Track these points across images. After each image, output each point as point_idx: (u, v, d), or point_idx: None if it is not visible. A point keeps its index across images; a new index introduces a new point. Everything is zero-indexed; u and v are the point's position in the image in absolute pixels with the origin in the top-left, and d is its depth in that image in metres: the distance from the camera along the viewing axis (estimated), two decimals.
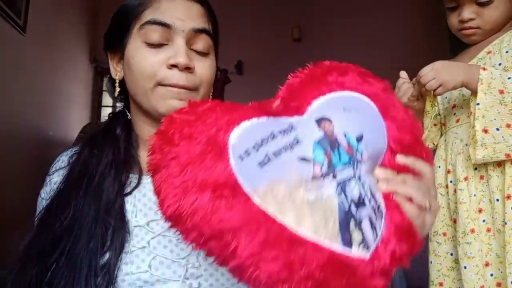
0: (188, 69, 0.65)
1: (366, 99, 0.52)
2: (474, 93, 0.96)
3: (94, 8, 3.24)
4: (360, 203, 0.45)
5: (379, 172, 0.50)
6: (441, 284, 1.08)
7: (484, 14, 1.05)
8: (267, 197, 0.42)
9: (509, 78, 0.94)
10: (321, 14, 3.52)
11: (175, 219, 0.42)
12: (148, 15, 0.66)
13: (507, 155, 0.93)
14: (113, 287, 0.59)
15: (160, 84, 0.65)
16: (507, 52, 1.01)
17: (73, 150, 0.72)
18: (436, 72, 0.97)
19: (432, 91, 1.00)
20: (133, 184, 0.67)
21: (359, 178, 0.47)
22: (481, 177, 1.01)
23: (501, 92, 0.93)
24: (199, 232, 0.40)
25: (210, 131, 0.45)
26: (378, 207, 0.47)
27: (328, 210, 0.44)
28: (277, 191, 0.43)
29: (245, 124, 0.47)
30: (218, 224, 0.40)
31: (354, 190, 0.46)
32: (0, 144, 1.87)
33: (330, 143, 0.47)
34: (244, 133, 0.46)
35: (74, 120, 2.83)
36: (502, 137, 0.93)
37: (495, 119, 0.93)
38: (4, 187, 1.87)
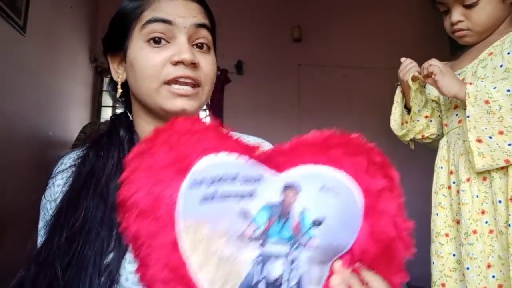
0: (193, 64, 0.66)
1: (357, 192, 0.46)
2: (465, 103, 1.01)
3: (94, 8, 3.23)
4: (274, 284, 0.42)
5: (339, 270, 0.45)
6: (443, 285, 1.07)
7: (471, 15, 1.07)
8: (188, 232, 0.42)
9: (494, 88, 0.97)
10: (321, 14, 3.52)
11: (121, 209, 0.45)
12: (148, 15, 0.67)
13: (506, 161, 0.95)
14: (116, 286, 0.60)
15: (165, 82, 0.65)
16: (508, 53, 1.02)
17: (77, 153, 0.73)
18: (443, 72, 1.03)
19: (418, 80, 1.08)
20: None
21: (292, 261, 0.43)
22: (484, 179, 1.01)
23: (487, 102, 0.97)
24: (127, 225, 0.44)
25: (187, 149, 0.46)
26: None
27: (234, 273, 0.42)
28: (200, 231, 0.42)
29: (222, 155, 0.46)
30: (136, 230, 0.43)
31: (275, 269, 0.42)
32: (0, 144, 1.87)
33: (280, 212, 0.44)
34: (214, 164, 0.45)
35: (74, 120, 2.83)
36: (497, 144, 0.95)
37: (486, 128, 0.96)
38: (4, 186, 1.87)
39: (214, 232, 0.42)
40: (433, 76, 1.04)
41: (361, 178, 0.47)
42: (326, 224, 0.44)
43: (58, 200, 0.68)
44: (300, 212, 0.44)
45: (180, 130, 0.47)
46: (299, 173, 0.47)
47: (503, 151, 0.94)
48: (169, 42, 0.66)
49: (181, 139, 0.46)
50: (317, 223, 0.44)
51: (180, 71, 0.65)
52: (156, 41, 0.66)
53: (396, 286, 0.46)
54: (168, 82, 0.66)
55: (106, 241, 0.61)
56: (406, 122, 1.19)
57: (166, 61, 0.65)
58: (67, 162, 0.73)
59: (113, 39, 0.72)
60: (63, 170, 0.71)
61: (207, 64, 0.69)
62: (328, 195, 0.45)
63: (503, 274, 0.95)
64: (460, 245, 1.04)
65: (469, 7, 1.07)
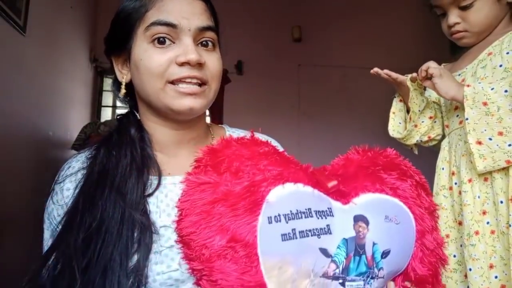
0: (199, 64, 0.66)
1: (411, 216, 0.48)
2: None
3: (94, 8, 3.23)
4: None
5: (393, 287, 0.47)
6: (444, 286, 1.07)
7: (468, 17, 1.08)
8: (273, 272, 0.40)
9: (492, 89, 0.97)
10: (321, 14, 3.52)
11: (184, 242, 0.42)
12: (152, 16, 0.66)
13: (508, 162, 0.95)
14: (145, 287, 0.60)
15: (170, 82, 0.65)
16: (507, 53, 1.02)
17: (86, 155, 0.71)
18: (441, 74, 1.02)
19: (417, 82, 1.08)
20: (153, 185, 0.67)
21: None
22: (485, 179, 1.01)
23: (485, 104, 0.96)
24: (199, 267, 0.41)
25: (256, 177, 0.43)
26: None
27: None
28: (284, 271, 0.41)
29: (289, 186, 0.44)
30: (218, 272, 0.40)
31: None
32: (0, 144, 1.87)
33: (356, 247, 0.45)
34: (283, 197, 0.44)
35: (74, 120, 2.83)
36: (497, 145, 0.95)
37: (485, 130, 0.96)
38: (4, 186, 1.87)
39: (299, 272, 0.41)
40: (432, 79, 1.04)
41: (413, 203, 0.48)
42: (391, 254, 0.46)
43: (70, 204, 0.66)
44: (372, 245, 0.45)
45: (242, 154, 0.45)
46: (363, 203, 0.47)
47: (504, 152, 0.94)
48: (174, 43, 0.66)
49: (247, 166, 0.44)
50: (385, 254, 0.46)
51: (186, 71, 0.65)
52: (161, 41, 0.65)
53: None
54: (173, 82, 0.65)
55: (130, 242, 0.61)
56: (411, 128, 1.18)
57: (171, 61, 0.65)
58: (75, 165, 0.71)
59: (116, 39, 0.71)
60: (71, 174, 0.70)
61: (213, 62, 0.69)
62: (391, 225, 0.47)
63: (506, 274, 0.95)
64: (461, 246, 1.04)
65: (465, 8, 1.07)
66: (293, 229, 0.42)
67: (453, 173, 1.10)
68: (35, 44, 2.20)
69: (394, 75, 1.12)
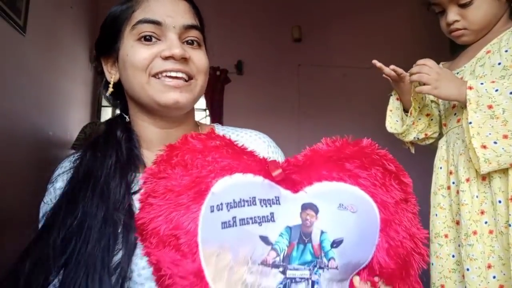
0: (184, 59, 0.67)
1: (374, 206, 0.46)
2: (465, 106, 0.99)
3: (94, 8, 3.23)
4: None
5: (360, 285, 0.45)
6: (442, 286, 1.07)
7: (467, 15, 1.07)
8: (211, 259, 0.41)
9: (496, 90, 0.95)
10: (321, 14, 3.52)
11: (140, 233, 0.44)
12: (138, 16, 0.68)
13: None
14: (129, 282, 0.61)
15: (153, 75, 0.66)
16: (506, 51, 1.02)
17: (75, 156, 0.74)
18: (437, 78, 1.00)
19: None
20: (139, 184, 0.68)
21: (314, 283, 0.43)
22: (483, 179, 1.00)
23: (490, 107, 0.95)
24: (148, 252, 0.43)
25: (203, 170, 0.45)
26: None
27: None
28: (222, 259, 0.41)
29: (237, 176, 0.45)
30: (163, 261, 0.42)
31: None
32: (0, 144, 1.87)
33: (300, 235, 0.44)
34: (227, 186, 0.44)
35: (74, 120, 2.83)
36: (503, 148, 0.93)
37: (490, 133, 0.94)
38: (4, 186, 1.87)
39: (237, 260, 0.41)
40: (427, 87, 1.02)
41: (377, 192, 0.46)
42: (344, 243, 0.44)
43: (52, 204, 0.68)
44: (320, 234, 0.44)
45: (194, 149, 0.47)
46: (316, 192, 0.46)
47: (509, 155, 0.93)
48: (159, 40, 0.68)
49: (196, 159, 0.46)
50: (336, 244, 0.44)
51: (170, 64, 0.66)
52: (147, 39, 0.67)
53: None
54: (156, 75, 0.67)
55: (112, 240, 0.62)
56: (408, 126, 1.18)
57: (155, 55, 0.67)
58: (67, 165, 0.73)
59: (105, 42, 0.74)
60: (63, 173, 0.72)
61: (199, 58, 0.70)
62: (346, 213, 0.45)
63: (504, 274, 0.95)
64: (459, 246, 1.04)
65: (464, 6, 1.06)
66: (234, 217, 0.42)
67: (450, 172, 1.09)
68: (35, 44, 2.20)
69: (399, 70, 1.11)
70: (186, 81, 0.68)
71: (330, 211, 0.45)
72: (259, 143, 0.80)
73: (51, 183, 0.72)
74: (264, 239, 0.43)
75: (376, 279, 0.46)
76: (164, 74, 0.66)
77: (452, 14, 1.09)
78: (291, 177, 0.47)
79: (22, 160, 2.08)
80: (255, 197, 0.44)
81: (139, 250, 0.62)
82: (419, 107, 1.16)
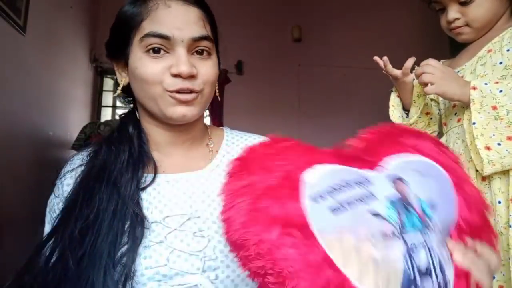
0: (191, 76, 0.67)
1: (441, 168, 0.50)
2: (468, 106, 0.98)
3: (94, 8, 3.23)
4: (426, 274, 0.43)
5: (455, 245, 0.47)
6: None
7: (468, 12, 1.06)
8: (334, 246, 0.41)
9: (500, 91, 0.94)
10: (321, 14, 3.52)
11: (238, 245, 0.42)
12: (146, 27, 0.67)
13: None
14: (132, 281, 0.61)
15: (167, 90, 0.67)
16: (508, 50, 1.01)
17: (88, 150, 0.75)
18: (439, 77, 1.00)
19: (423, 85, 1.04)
20: (147, 181, 0.70)
21: (430, 248, 0.44)
22: (483, 179, 1.00)
23: (494, 108, 0.94)
24: (260, 264, 0.40)
25: (288, 167, 0.45)
26: (446, 285, 0.44)
27: (392, 273, 0.42)
28: (346, 242, 0.41)
29: (319, 167, 0.45)
30: (281, 261, 0.39)
31: (422, 259, 0.43)
32: (0, 144, 1.87)
33: (404, 205, 0.45)
34: (319, 176, 0.45)
35: (74, 120, 2.83)
36: (506, 150, 0.93)
37: (494, 135, 0.94)
38: (4, 186, 1.87)
39: (359, 239, 0.42)
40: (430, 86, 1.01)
41: (439, 158, 0.50)
42: (438, 206, 0.47)
43: (68, 196, 0.68)
44: (417, 201, 0.46)
45: (267, 153, 0.48)
46: (393, 165, 0.49)
47: None
48: (168, 52, 0.68)
49: (274, 159, 0.46)
50: (433, 206, 0.47)
51: (179, 84, 0.66)
52: (156, 51, 0.67)
53: (497, 251, 0.51)
54: (170, 91, 0.67)
55: (120, 234, 0.63)
56: (410, 125, 1.17)
57: (165, 70, 0.67)
58: (76, 162, 0.74)
59: (114, 46, 0.74)
60: (72, 170, 0.73)
61: (206, 70, 0.70)
62: (428, 179, 0.48)
63: (504, 275, 0.95)
64: None
65: (465, 4, 1.06)
66: (341, 202, 0.43)
67: None
68: (35, 44, 2.20)
69: (395, 72, 1.12)
70: (194, 92, 0.69)
71: (414, 179, 0.48)
72: None
73: (59, 179, 0.73)
74: (377, 215, 0.44)
75: (468, 239, 0.49)
76: (175, 94, 0.67)
77: (453, 11, 1.08)
78: (363, 159, 0.49)
79: (22, 160, 2.08)
80: (349, 181, 0.45)
81: (142, 250, 0.63)
82: (419, 105, 1.15)
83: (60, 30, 2.62)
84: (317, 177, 0.44)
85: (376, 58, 1.14)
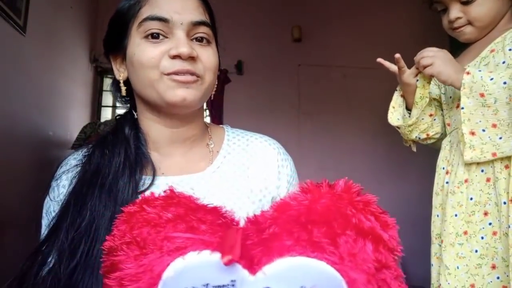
0: (191, 58, 0.65)
1: (341, 282, 0.39)
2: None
3: (94, 8, 3.23)
4: None
5: None
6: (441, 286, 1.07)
7: (470, 12, 1.06)
8: None
9: (491, 79, 0.94)
10: (321, 14, 3.52)
11: None
12: (145, 12, 0.67)
13: (493, 154, 0.94)
14: None
15: (164, 73, 0.65)
16: (510, 49, 1.01)
17: (83, 152, 0.72)
18: (438, 57, 1.01)
19: (423, 79, 1.06)
20: (146, 185, 0.67)
21: None
22: (488, 180, 0.99)
23: (482, 95, 0.95)
24: None
25: (153, 254, 0.41)
26: None
27: None
28: None
29: (191, 257, 0.40)
30: None
31: None
32: (0, 144, 1.87)
33: None
34: (182, 271, 0.40)
35: (74, 120, 2.83)
36: (489, 137, 0.94)
37: (480, 121, 0.95)
38: (4, 186, 1.87)
39: None
40: (426, 69, 1.03)
41: (347, 267, 0.39)
42: None
43: (61, 204, 0.66)
44: None
45: (149, 220, 0.43)
46: (276, 272, 0.40)
47: (493, 144, 0.93)
48: (167, 37, 0.66)
49: (150, 236, 0.42)
50: None
51: (178, 65, 0.65)
52: (154, 36, 0.66)
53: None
54: (168, 74, 0.65)
55: None
56: (409, 125, 1.17)
57: (164, 54, 0.65)
58: (72, 162, 0.72)
59: (113, 39, 0.72)
60: (67, 170, 0.71)
61: (207, 56, 0.69)
62: None
63: (507, 276, 0.94)
64: (451, 244, 1.04)
65: (467, 3, 1.06)
66: None
67: (447, 172, 1.09)
68: (35, 44, 2.20)
69: (401, 63, 1.12)
70: (194, 78, 0.67)
71: None
72: (268, 149, 0.78)
73: (55, 180, 0.71)
74: None
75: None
76: (173, 76, 0.65)
77: (455, 11, 1.08)
78: (251, 254, 0.41)
79: (22, 160, 2.08)
80: (208, 284, 0.39)
81: None
82: (421, 109, 1.15)
83: (60, 30, 2.62)
84: (178, 273, 0.39)
85: (380, 60, 1.14)
